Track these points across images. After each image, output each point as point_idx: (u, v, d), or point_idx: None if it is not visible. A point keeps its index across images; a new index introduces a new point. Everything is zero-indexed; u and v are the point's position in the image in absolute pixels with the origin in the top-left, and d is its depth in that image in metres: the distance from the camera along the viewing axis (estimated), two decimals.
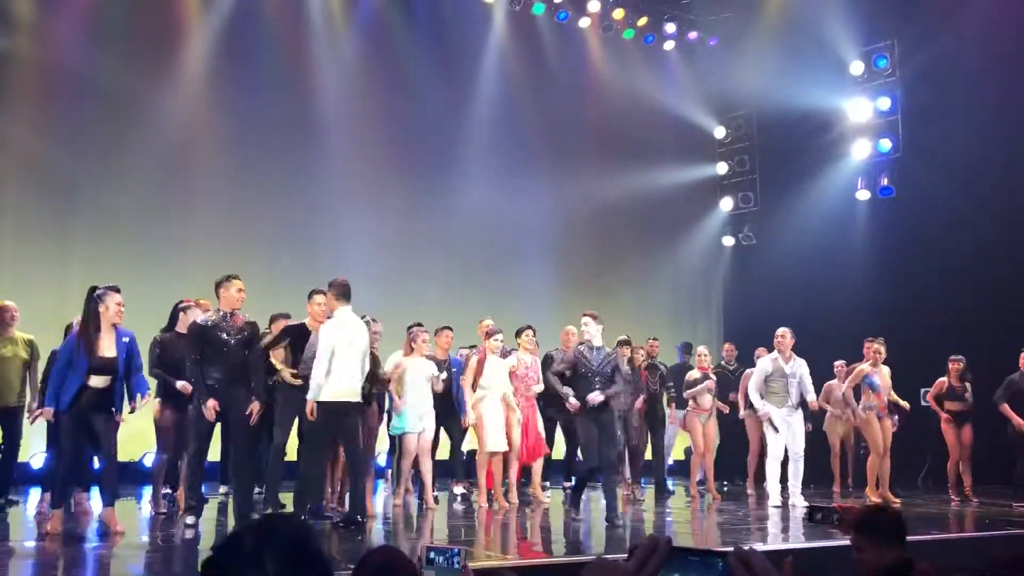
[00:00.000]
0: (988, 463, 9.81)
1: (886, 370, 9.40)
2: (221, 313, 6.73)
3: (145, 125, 10.67)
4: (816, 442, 9.98)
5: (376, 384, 7.54)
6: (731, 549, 1.24)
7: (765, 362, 9.02)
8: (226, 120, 11.39)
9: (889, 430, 9.32)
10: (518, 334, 8.66)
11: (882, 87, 12.83)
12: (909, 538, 6.45)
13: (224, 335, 6.64)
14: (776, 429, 8.81)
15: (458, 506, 8.54)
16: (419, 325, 8.40)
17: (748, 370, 10.06)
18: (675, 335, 12.58)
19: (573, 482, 8.47)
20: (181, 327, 7.41)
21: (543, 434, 8.95)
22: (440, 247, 12.40)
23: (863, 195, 12.95)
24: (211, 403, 6.51)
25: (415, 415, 8.06)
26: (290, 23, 11.90)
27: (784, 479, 8.85)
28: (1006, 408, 9.17)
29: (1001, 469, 9.59)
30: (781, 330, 9.01)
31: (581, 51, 14.13)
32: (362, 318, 7.46)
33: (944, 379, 9.75)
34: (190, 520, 6.59)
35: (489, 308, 11.26)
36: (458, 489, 9.16)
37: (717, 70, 14.42)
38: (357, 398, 6.81)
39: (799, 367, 8.91)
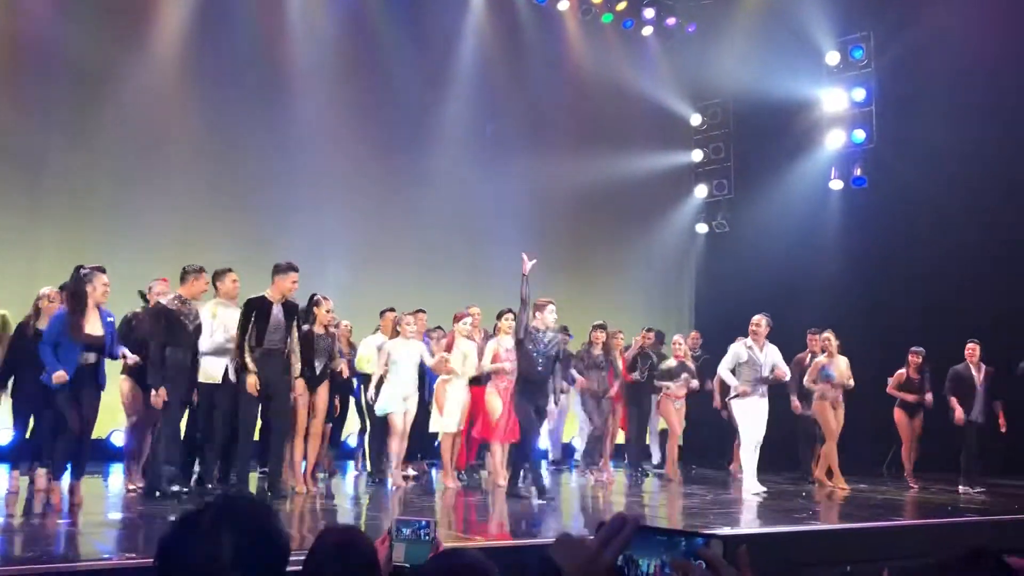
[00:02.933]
0: (940, 452, 9.96)
1: (843, 360, 9.51)
2: (181, 299, 6.96)
3: (116, 100, 10.52)
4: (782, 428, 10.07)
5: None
6: (702, 532, 1.23)
7: (739, 348, 8.91)
8: (199, 97, 11.24)
9: (841, 419, 9.44)
10: (499, 317, 8.55)
11: (857, 78, 12.91)
12: (876, 523, 6.53)
13: (185, 320, 6.91)
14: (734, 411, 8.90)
15: (412, 486, 8.60)
16: (420, 311, 8.69)
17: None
18: (647, 321, 12.61)
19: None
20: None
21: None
22: (415, 229, 12.35)
23: (836, 185, 13.04)
24: (163, 391, 6.76)
25: (399, 396, 8.15)
26: (265, 1, 11.77)
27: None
28: (953, 400, 9.40)
29: (952, 457, 9.82)
30: (757, 318, 8.92)
31: (559, 34, 14.09)
32: (311, 297, 7.77)
33: (903, 370, 9.91)
34: (175, 488, 6.72)
35: (464, 290, 11.29)
36: (410, 471, 9.20)
37: (694, 57, 14.45)
38: (210, 379, 7.16)
39: (772, 354, 8.88)
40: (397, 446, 8.27)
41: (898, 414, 9.92)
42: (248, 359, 6.98)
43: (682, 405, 10.05)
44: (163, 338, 6.83)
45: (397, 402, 8.18)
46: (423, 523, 2.17)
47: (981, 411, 9.37)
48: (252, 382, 6.97)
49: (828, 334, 9.51)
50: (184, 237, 10.46)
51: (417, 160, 12.52)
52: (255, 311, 7.13)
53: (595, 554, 1.21)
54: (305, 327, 7.64)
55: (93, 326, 6.24)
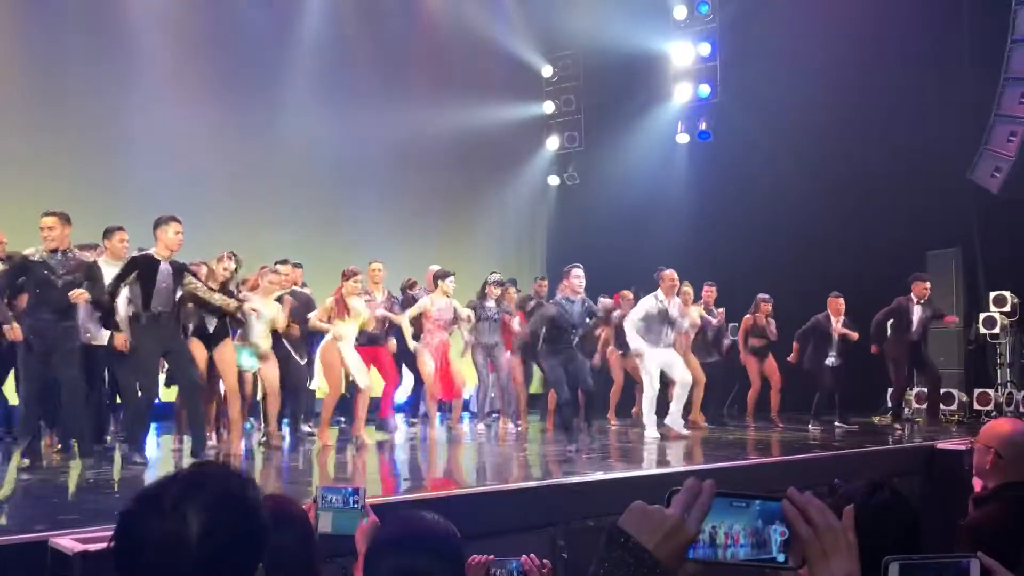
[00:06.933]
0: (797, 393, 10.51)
1: (694, 310, 9.82)
2: (50, 252, 6.37)
3: None
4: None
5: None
6: (778, 496, 1.18)
7: (651, 302, 8.79)
8: (29, 38, 10.34)
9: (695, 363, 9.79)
10: (442, 278, 8.75)
11: (703, 32, 13.26)
12: (722, 465, 6.82)
13: (49, 272, 6.30)
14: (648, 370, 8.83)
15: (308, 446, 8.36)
16: (297, 265, 8.65)
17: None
18: (499, 271, 12.63)
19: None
20: None
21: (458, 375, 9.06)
22: (268, 184, 11.83)
23: (683, 138, 13.43)
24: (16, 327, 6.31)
25: (254, 354, 7.75)
26: None
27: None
28: (797, 345, 9.88)
29: (803, 398, 10.36)
30: (670, 272, 8.84)
31: None
32: (218, 256, 7.50)
33: (750, 316, 10.26)
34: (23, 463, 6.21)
35: (316, 241, 11.01)
36: (307, 427, 8.98)
37: (547, 7, 14.45)
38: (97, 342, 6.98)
39: (677, 307, 8.91)
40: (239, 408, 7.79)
41: (748, 359, 10.28)
42: (117, 317, 6.52)
43: None
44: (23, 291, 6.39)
45: (250, 360, 7.75)
46: (351, 490, 2.07)
47: (837, 357, 9.71)
48: (121, 340, 6.53)
49: (686, 287, 9.75)
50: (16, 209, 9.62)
51: (265, 107, 12.00)
52: (138, 269, 6.51)
53: (678, 524, 1.15)
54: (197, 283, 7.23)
55: None
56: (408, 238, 12.53)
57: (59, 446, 7.01)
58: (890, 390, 10.42)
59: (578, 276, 8.17)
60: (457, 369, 8.89)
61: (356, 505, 2.07)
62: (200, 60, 11.52)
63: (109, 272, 6.73)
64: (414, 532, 1.92)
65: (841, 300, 9.72)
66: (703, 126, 13.18)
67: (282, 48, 12.25)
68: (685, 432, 8.73)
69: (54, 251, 6.36)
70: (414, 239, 12.66)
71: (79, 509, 4.96)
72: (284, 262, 8.64)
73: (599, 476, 5.90)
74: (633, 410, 10.23)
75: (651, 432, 8.68)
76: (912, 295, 9.44)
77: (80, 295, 6.25)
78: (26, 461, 6.22)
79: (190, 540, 1.18)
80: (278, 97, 12.11)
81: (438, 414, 9.68)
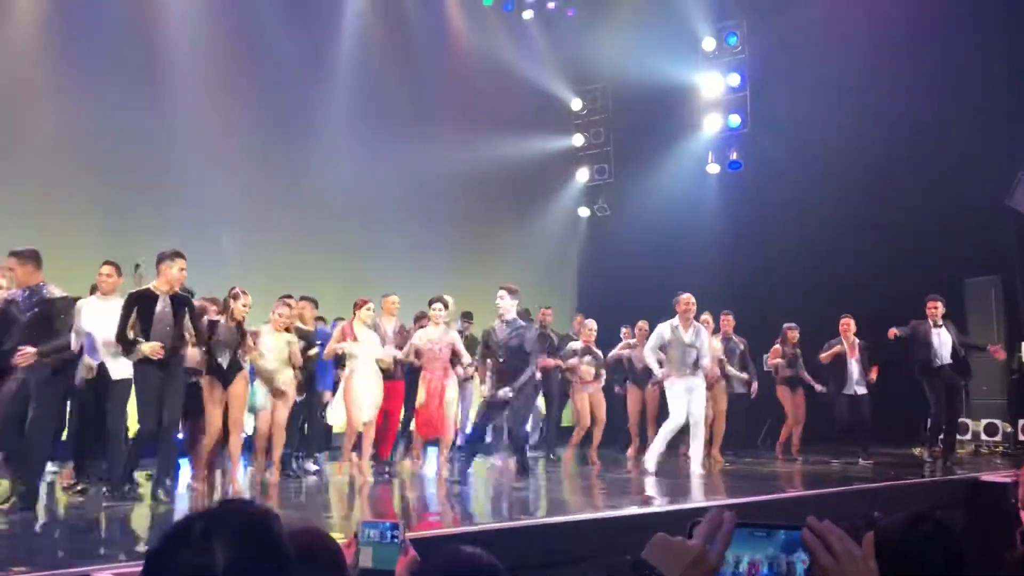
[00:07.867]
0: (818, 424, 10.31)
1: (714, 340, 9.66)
2: (19, 290, 6.30)
3: None
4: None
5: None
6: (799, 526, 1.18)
7: (664, 328, 8.67)
8: (64, 87, 10.50)
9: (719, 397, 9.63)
10: (429, 305, 8.24)
11: (732, 63, 13.28)
12: (760, 498, 6.71)
13: (16, 310, 6.24)
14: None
15: (312, 480, 8.34)
16: (307, 299, 8.42)
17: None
18: (530, 305, 12.63)
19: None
20: None
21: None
22: (299, 215, 11.93)
23: (713, 169, 13.40)
24: None
25: (264, 392, 7.65)
26: None
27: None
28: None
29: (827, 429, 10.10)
30: (688, 296, 8.67)
31: (441, 17, 13.95)
32: (231, 290, 7.28)
33: (779, 348, 10.09)
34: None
35: (348, 275, 11.05)
36: (311, 465, 8.91)
37: (575, 41, 14.57)
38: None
39: (701, 335, 8.69)
40: (261, 445, 7.71)
41: (781, 390, 10.12)
42: (132, 336, 6.47)
43: (595, 390, 9.72)
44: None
45: (263, 398, 7.67)
46: (390, 524, 2.06)
47: (857, 383, 9.49)
48: (150, 347, 6.39)
49: (706, 316, 9.66)
50: (42, 220, 9.76)
51: (298, 145, 12.13)
52: (137, 305, 6.53)
53: (700, 555, 1.16)
54: (215, 319, 7.18)
55: None
56: (438, 270, 12.56)
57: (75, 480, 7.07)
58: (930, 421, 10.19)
59: (499, 298, 7.81)
60: (445, 410, 8.17)
61: (395, 540, 2.06)
62: (228, 93, 11.64)
63: (97, 307, 6.91)
64: (458, 566, 1.89)
65: (850, 321, 9.54)
66: (733, 156, 13.16)
67: (312, 82, 12.38)
68: (701, 470, 8.40)
69: (23, 289, 6.26)
70: (443, 271, 12.69)
71: (117, 543, 4.98)
72: (290, 296, 8.39)
73: (635, 510, 5.83)
74: (681, 450, 9.58)
75: (650, 466, 8.39)
76: (927, 318, 9.13)
77: (24, 358, 6.00)
78: (80, 488, 6.31)
79: (216, 574, 1.19)
80: (308, 130, 12.23)
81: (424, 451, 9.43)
